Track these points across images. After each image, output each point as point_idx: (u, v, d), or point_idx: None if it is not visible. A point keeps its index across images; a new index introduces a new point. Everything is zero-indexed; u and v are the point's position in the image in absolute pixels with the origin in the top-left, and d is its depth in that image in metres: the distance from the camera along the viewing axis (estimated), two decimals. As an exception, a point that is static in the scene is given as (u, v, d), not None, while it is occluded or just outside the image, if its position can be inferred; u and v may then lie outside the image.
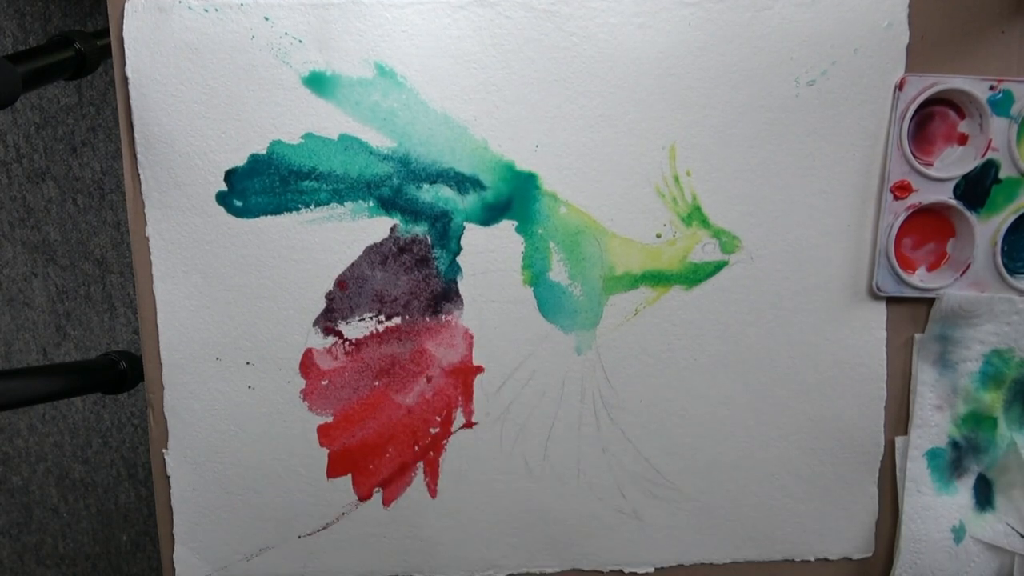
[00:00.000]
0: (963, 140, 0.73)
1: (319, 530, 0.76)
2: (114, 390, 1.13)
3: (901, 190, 0.73)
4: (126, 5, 0.67)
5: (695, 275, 0.73)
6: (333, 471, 0.75)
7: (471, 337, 0.74)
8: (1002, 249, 0.74)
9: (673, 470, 0.76)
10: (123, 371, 1.13)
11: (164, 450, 0.74)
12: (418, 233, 0.72)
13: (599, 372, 0.75)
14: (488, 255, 0.72)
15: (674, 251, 0.73)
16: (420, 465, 0.75)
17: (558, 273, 0.73)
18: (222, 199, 0.70)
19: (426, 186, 0.71)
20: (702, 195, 0.72)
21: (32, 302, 1.62)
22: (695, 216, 0.72)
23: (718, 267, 0.73)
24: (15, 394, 0.95)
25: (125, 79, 0.69)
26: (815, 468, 0.77)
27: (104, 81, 1.52)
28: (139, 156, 0.69)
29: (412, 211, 0.71)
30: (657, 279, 0.73)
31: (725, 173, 0.72)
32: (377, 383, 0.74)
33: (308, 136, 0.70)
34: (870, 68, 0.71)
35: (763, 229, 0.73)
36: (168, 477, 0.74)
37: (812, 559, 0.79)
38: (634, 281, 0.73)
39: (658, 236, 0.73)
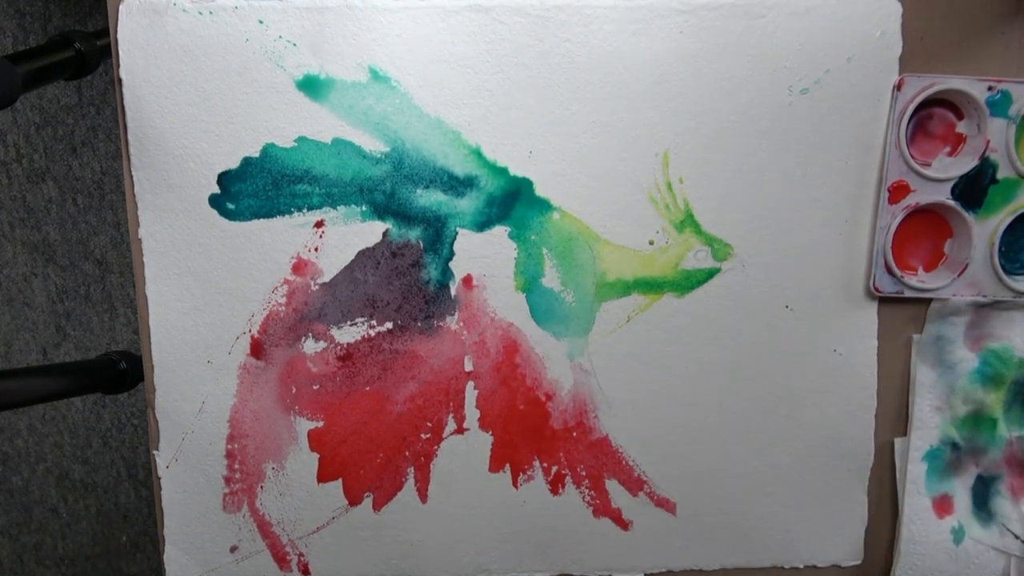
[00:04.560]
0: (961, 141, 0.73)
1: (309, 534, 0.76)
2: (114, 390, 1.13)
3: (899, 190, 0.72)
4: (120, 7, 0.67)
5: (687, 282, 0.73)
6: (324, 475, 0.75)
7: (463, 343, 0.74)
8: (1000, 250, 0.74)
9: (663, 476, 0.76)
10: (123, 371, 1.13)
11: (155, 451, 0.74)
12: (411, 238, 0.72)
13: (591, 378, 0.74)
14: (481, 261, 0.72)
15: (666, 258, 0.73)
16: (411, 470, 0.75)
17: (551, 279, 0.73)
18: (215, 202, 0.70)
19: (419, 191, 0.71)
20: (695, 202, 0.72)
21: (32, 302, 1.62)
22: (688, 223, 0.72)
23: (710, 274, 0.73)
24: (15, 394, 0.95)
25: (121, 81, 0.69)
26: (805, 475, 0.77)
27: (104, 81, 1.53)
28: (132, 158, 0.70)
29: (405, 216, 0.71)
30: (649, 286, 0.73)
31: (718, 180, 0.72)
32: (368, 388, 0.73)
33: (301, 139, 0.70)
34: (863, 77, 0.71)
35: (755, 237, 0.73)
36: (159, 478, 0.75)
37: (801, 566, 0.78)
38: (627, 288, 0.73)
39: (651, 243, 0.73)
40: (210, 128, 0.69)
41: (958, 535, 0.78)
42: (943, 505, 0.78)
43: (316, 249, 0.71)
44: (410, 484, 0.75)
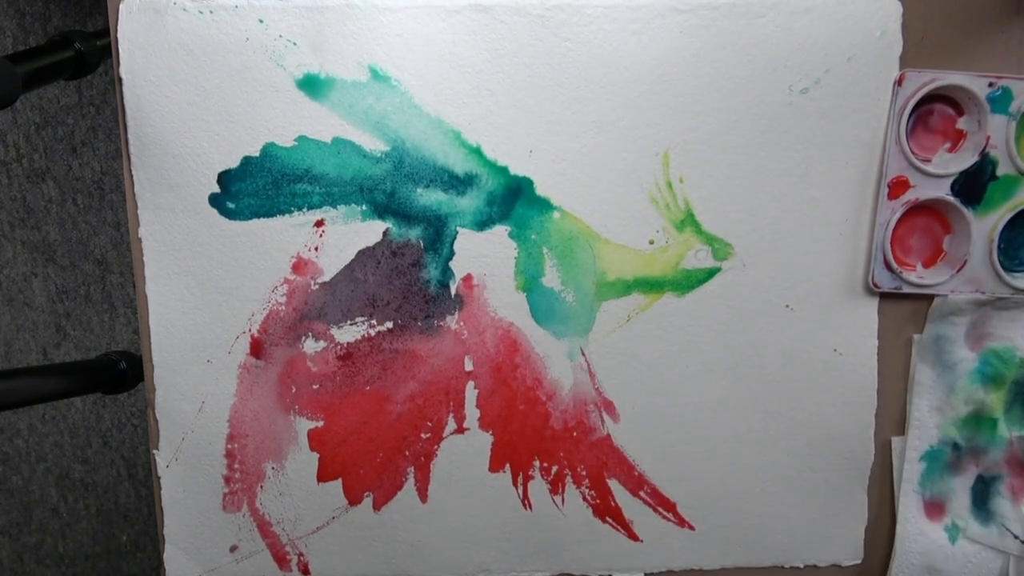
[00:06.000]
0: (961, 137, 0.73)
1: (309, 533, 0.76)
2: (114, 390, 1.13)
3: (898, 186, 0.72)
4: (120, 6, 0.67)
5: (687, 281, 0.73)
6: (323, 475, 0.75)
7: (463, 342, 0.73)
8: (999, 246, 0.73)
9: (663, 476, 0.76)
10: (123, 371, 1.13)
11: (155, 451, 0.74)
12: (411, 237, 0.72)
13: (591, 378, 0.74)
14: (481, 260, 0.72)
15: (667, 257, 0.73)
16: (411, 470, 0.75)
17: (551, 279, 0.73)
18: (215, 201, 0.70)
19: (419, 190, 0.71)
20: (695, 202, 0.72)
21: (32, 302, 1.62)
22: (688, 222, 0.72)
23: (710, 274, 0.73)
24: (15, 394, 0.95)
25: (121, 80, 0.69)
26: (805, 475, 0.77)
27: (104, 81, 1.53)
28: (132, 157, 0.69)
29: (405, 215, 0.71)
30: (650, 285, 0.73)
31: (718, 180, 0.72)
32: (368, 388, 0.73)
33: (301, 139, 0.70)
34: (863, 76, 0.71)
35: (755, 236, 0.73)
36: (159, 478, 0.75)
37: (801, 566, 0.78)
38: (627, 287, 0.73)
39: (651, 242, 0.73)
40: (210, 127, 0.69)
41: (952, 534, 0.78)
42: (938, 505, 0.78)
43: (316, 248, 0.71)
44: (410, 484, 0.75)
